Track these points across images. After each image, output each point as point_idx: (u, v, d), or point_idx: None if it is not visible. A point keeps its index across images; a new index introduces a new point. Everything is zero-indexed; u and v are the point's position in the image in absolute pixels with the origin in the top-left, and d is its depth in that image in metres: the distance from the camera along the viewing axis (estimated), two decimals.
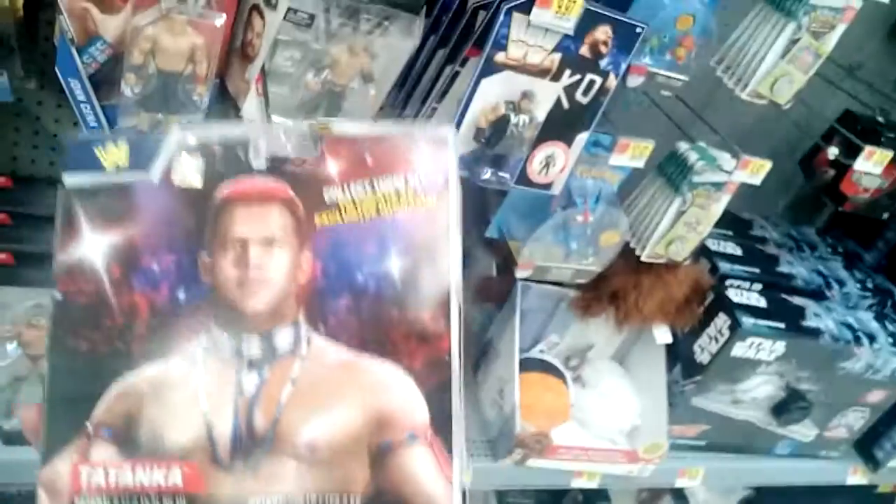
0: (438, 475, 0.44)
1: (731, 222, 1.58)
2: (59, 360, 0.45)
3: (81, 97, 0.92)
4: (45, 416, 0.45)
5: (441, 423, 0.45)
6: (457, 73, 0.98)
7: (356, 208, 0.47)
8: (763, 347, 1.38)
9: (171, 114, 0.95)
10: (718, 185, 1.21)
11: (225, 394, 0.45)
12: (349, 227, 0.47)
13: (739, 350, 1.37)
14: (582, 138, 1.05)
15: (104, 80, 0.92)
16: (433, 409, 0.45)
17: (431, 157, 0.47)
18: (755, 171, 1.18)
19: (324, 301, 0.46)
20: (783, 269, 1.54)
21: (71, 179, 0.46)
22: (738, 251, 1.52)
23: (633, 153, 1.11)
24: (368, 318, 0.46)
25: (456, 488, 0.44)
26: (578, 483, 1.45)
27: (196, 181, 0.47)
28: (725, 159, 1.21)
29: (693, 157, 1.20)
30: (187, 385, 0.45)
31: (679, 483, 1.55)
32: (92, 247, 0.46)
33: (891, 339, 1.49)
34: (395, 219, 0.47)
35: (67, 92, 0.91)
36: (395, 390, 0.45)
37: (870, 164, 1.23)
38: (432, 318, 0.46)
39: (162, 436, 0.44)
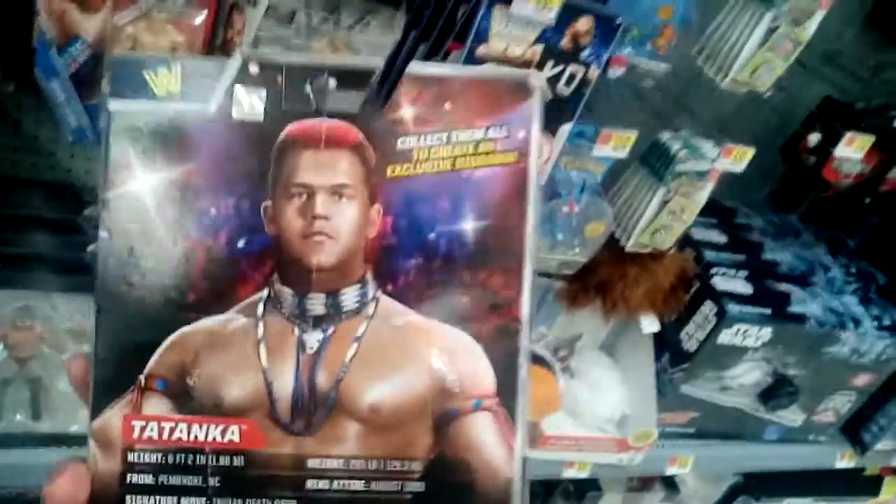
0: (501, 444, 0.43)
1: (715, 211, 1.59)
2: (107, 306, 0.42)
3: (62, 97, 0.92)
4: (94, 367, 0.42)
5: (507, 392, 0.43)
6: None
7: (431, 160, 0.44)
8: (749, 334, 1.39)
9: None
10: (701, 174, 1.22)
11: (286, 350, 0.43)
12: (422, 181, 0.43)
13: (726, 337, 1.38)
14: (565, 129, 1.05)
15: (85, 80, 0.92)
16: (500, 376, 0.43)
17: (515, 109, 0.44)
18: (738, 158, 1.19)
19: (393, 259, 0.43)
20: (768, 255, 1.55)
21: (116, 105, 0.42)
22: (723, 239, 1.53)
23: (616, 143, 1.12)
24: (438, 280, 0.43)
25: (517, 457, 0.43)
26: (569, 473, 1.46)
27: (258, 116, 0.43)
28: (708, 148, 1.22)
29: (675, 146, 1.20)
30: (246, 339, 0.43)
31: (669, 471, 1.56)
32: (142, 183, 0.42)
33: (875, 324, 1.50)
34: (472, 174, 0.44)
35: (47, 93, 0.91)
36: (463, 356, 0.43)
37: (850, 150, 1.24)
38: (505, 283, 0.44)
39: (219, 391, 0.42)
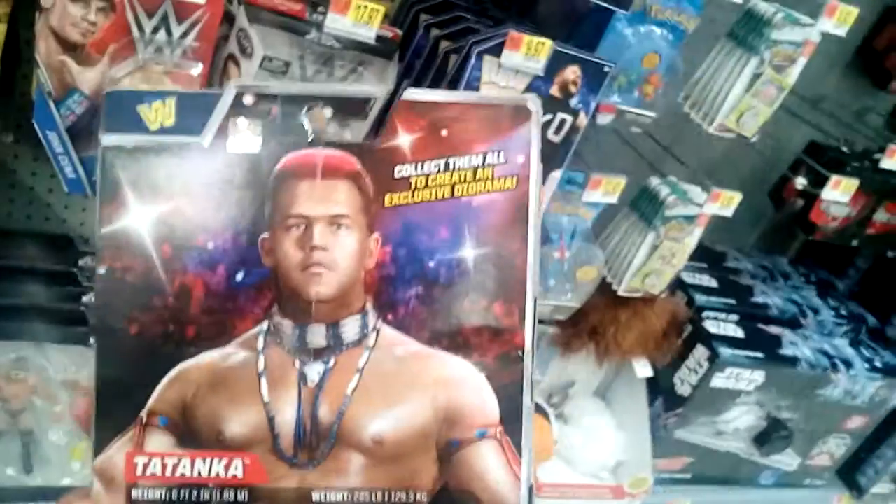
0: (507, 472, 0.43)
1: (705, 255, 1.60)
2: (106, 343, 0.42)
3: (59, 149, 0.93)
4: (95, 404, 0.42)
5: (511, 421, 0.43)
6: None
7: (429, 188, 0.43)
8: (742, 377, 1.39)
9: None
10: (690, 218, 1.23)
11: (287, 383, 0.43)
12: (421, 209, 0.43)
13: (719, 381, 1.39)
14: (555, 176, 1.06)
15: (82, 132, 0.93)
16: (504, 405, 0.43)
17: (513, 133, 0.44)
18: (726, 203, 1.21)
19: (393, 289, 0.43)
20: (758, 299, 1.56)
21: (109, 139, 0.42)
22: (714, 283, 1.54)
23: (606, 189, 1.13)
24: (439, 308, 0.43)
25: (524, 485, 0.43)
26: None
27: (253, 148, 0.42)
28: (696, 192, 1.23)
29: (664, 191, 1.22)
30: (247, 373, 0.42)
31: None
32: (137, 218, 0.42)
33: (867, 365, 1.51)
34: (471, 201, 0.43)
35: (45, 144, 0.91)
36: (466, 386, 0.43)
37: (837, 192, 1.26)
38: (506, 311, 0.43)
39: (221, 426, 0.42)
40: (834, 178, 1.25)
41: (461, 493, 0.43)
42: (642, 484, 1.41)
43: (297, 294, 0.43)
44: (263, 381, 0.43)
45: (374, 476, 0.43)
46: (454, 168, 0.44)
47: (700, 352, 1.39)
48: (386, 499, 0.43)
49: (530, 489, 0.43)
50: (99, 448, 0.42)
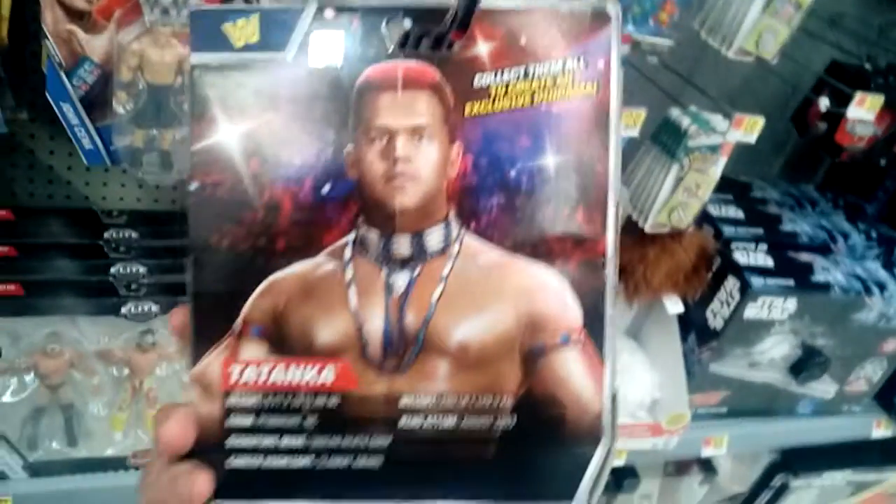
0: (590, 378, 0.44)
1: (730, 187, 1.58)
2: (200, 256, 0.43)
3: (75, 121, 0.93)
4: (192, 316, 0.43)
5: (594, 327, 0.44)
6: None
7: (509, 96, 0.43)
8: (775, 306, 1.38)
9: (164, 128, 0.96)
10: (714, 148, 1.21)
11: (374, 292, 0.44)
12: (501, 118, 0.43)
13: (752, 311, 1.37)
14: None
15: (95, 102, 0.93)
16: (587, 311, 0.44)
17: (593, 38, 0.44)
18: (749, 129, 1.19)
19: (475, 198, 0.44)
20: (787, 227, 1.54)
21: (197, 58, 0.43)
22: (741, 214, 1.52)
23: (626, 122, 1.12)
24: (521, 217, 0.43)
25: (606, 391, 0.44)
26: (597, 499, 1.45)
27: (335, 61, 0.43)
28: (718, 121, 1.21)
29: (686, 121, 1.20)
30: (335, 283, 0.43)
31: (705, 452, 1.55)
32: (226, 134, 0.43)
33: None
34: (552, 108, 0.43)
35: (60, 116, 0.91)
36: (549, 292, 0.44)
37: (862, 110, 1.23)
38: (588, 218, 0.44)
39: (312, 334, 0.43)
40: (858, 95, 1.22)
41: (545, 397, 0.44)
42: (680, 420, 1.41)
43: (382, 205, 0.44)
44: (351, 290, 0.44)
45: (460, 381, 0.44)
46: (533, 75, 0.43)
47: (731, 283, 1.38)
48: (471, 403, 0.44)
49: (614, 396, 0.44)
50: (196, 357, 0.43)
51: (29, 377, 1.08)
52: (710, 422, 1.56)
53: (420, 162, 0.43)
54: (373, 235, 0.44)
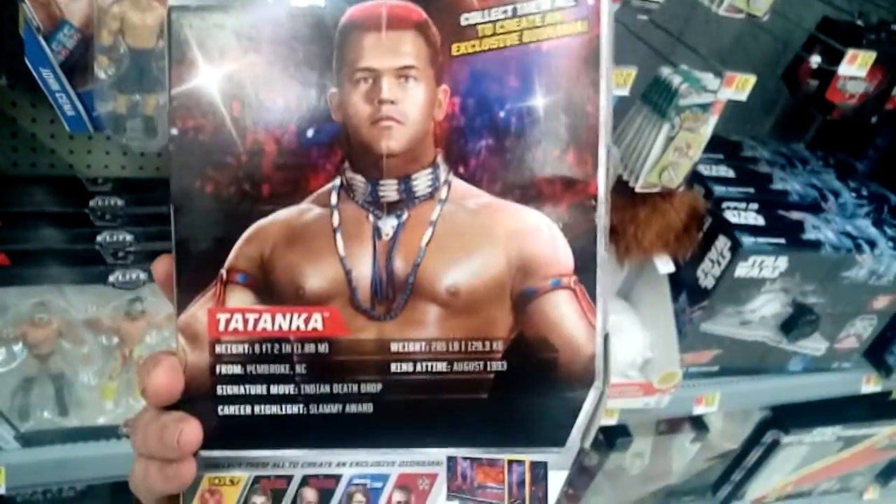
0: (582, 321, 0.43)
1: (720, 146, 1.57)
2: (183, 203, 0.42)
3: (55, 86, 0.91)
4: (176, 264, 0.42)
5: (585, 270, 0.43)
6: None
7: (497, 35, 0.42)
8: (766, 265, 1.38)
9: (148, 93, 0.94)
10: (705, 107, 1.20)
11: (362, 238, 0.43)
12: (489, 58, 0.42)
13: (742, 270, 1.37)
14: None
15: (76, 67, 0.91)
16: (578, 254, 0.43)
17: None
18: (740, 87, 1.17)
19: (463, 141, 0.43)
20: (777, 186, 1.54)
21: (176, 0, 0.42)
22: (731, 173, 1.51)
23: (616, 81, 1.10)
24: (510, 159, 0.43)
25: (598, 333, 0.43)
26: (589, 443, 1.46)
27: (317, 0, 0.42)
28: (709, 79, 1.20)
29: (677, 80, 1.19)
30: (322, 229, 0.43)
31: (697, 410, 1.56)
32: (206, 77, 0.42)
33: (891, 244, 1.49)
34: (541, 47, 0.42)
35: (40, 82, 0.89)
36: (540, 236, 0.43)
37: (854, 67, 1.22)
38: (579, 160, 0.43)
39: (299, 281, 0.43)
40: (850, 52, 1.21)
41: (536, 341, 0.43)
42: (671, 379, 1.41)
43: (368, 149, 0.43)
44: (339, 236, 0.43)
45: (451, 326, 0.43)
46: (522, 13, 0.42)
47: (722, 242, 1.37)
48: (462, 348, 0.43)
49: (606, 338, 0.43)
50: (181, 306, 0.43)
51: (17, 347, 1.07)
52: (701, 380, 1.56)
53: (406, 104, 0.42)
54: (359, 180, 0.43)
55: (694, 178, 1.45)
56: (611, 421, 1.47)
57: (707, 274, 1.41)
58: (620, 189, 1.29)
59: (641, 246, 1.37)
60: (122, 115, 0.95)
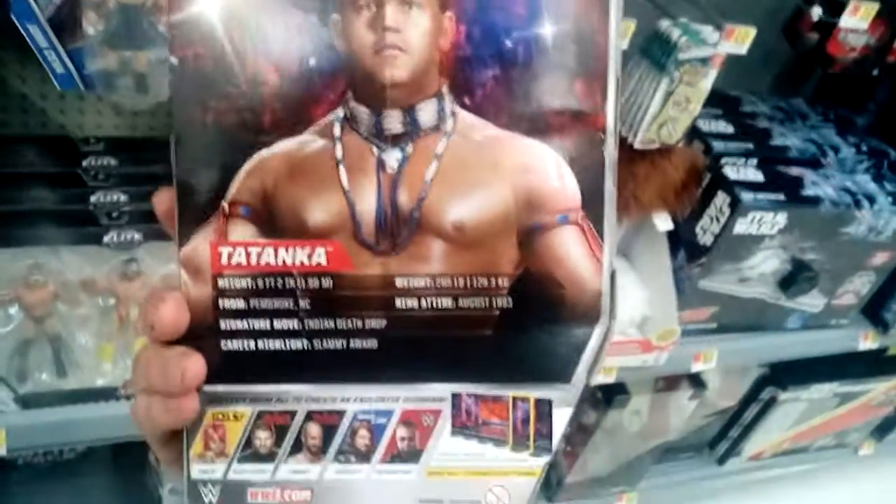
0: (589, 257, 0.42)
1: (719, 101, 1.56)
2: (184, 134, 0.41)
3: (43, 43, 0.89)
4: (177, 196, 0.42)
5: (593, 205, 0.42)
6: None
7: None
8: (765, 221, 1.37)
9: (139, 49, 0.92)
10: (704, 60, 1.19)
11: (366, 171, 0.42)
12: None
13: (741, 227, 1.37)
14: None
15: (65, 23, 0.89)
16: (585, 189, 0.42)
17: None
18: (740, 39, 1.16)
19: (469, 70, 0.42)
20: (777, 141, 1.52)
21: None
22: (730, 129, 1.50)
23: None
24: (517, 90, 0.41)
25: (605, 269, 0.43)
26: (596, 379, 1.46)
27: None
28: (709, 32, 1.18)
29: (676, 33, 1.17)
30: (325, 161, 0.42)
31: (695, 368, 1.57)
32: (205, 4, 0.40)
33: (890, 199, 1.48)
34: None
35: (28, 39, 0.87)
36: (547, 170, 0.42)
37: (855, 19, 1.20)
38: (588, 91, 0.41)
39: (302, 214, 0.42)
40: (852, 3, 1.20)
41: (542, 277, 0.43)
42: (670, 336, 1.41)
43: (371, 78, 0.42)
44: (342, 168, 0.42)
45: (456, 262, 0.43)
46: None
47: (721, 198, 1.37)
48: (467, 284, 0.43)
49: (613, 275, 0.43)
50: (183, 240, 0.42)
51: (13, 310, 1.07)
52: (699, 337, 1.57)
53: (411, 32, 0.41)
54: (363, 111, 0.42)
55: (693, 133, 1.44)
56: (609, 378, 1.47)
57: (706, 231, 1.41)
58: (619, 146, 1.28)
59: (640, 203, 1.36)
60: (113, 72, 0.93)
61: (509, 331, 0.43)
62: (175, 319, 0.41)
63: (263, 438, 0.44)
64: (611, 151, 0.42)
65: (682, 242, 1.46)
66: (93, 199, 1.07)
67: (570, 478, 1.76)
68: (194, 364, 0.41)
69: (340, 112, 0.42)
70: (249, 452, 0.44)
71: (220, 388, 0.43)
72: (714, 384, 1.82)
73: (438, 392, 0.44)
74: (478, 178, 0.42)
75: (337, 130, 0.42)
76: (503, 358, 0.44)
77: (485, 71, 0.42)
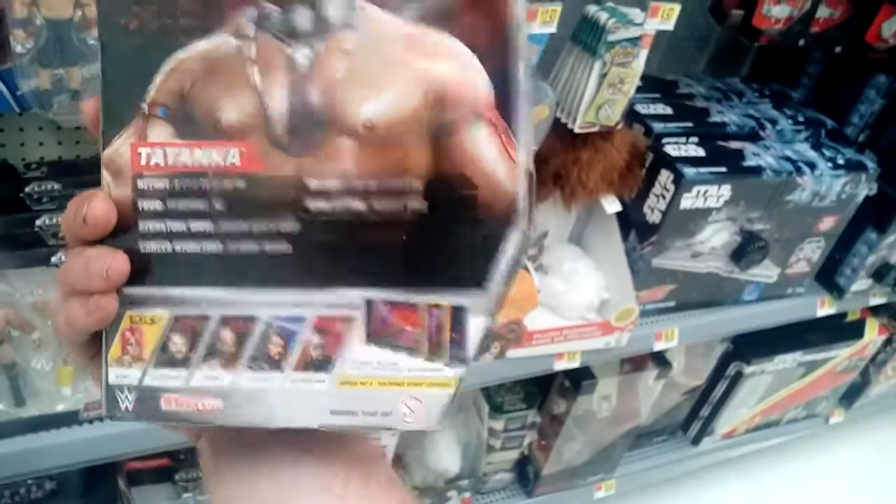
0: (502, 157, 0.42)
1: (656, 85, 1.59)
2: (109, 40, 0.42)
3: None
4: (102, 101, 0.42)
5: (506, 103, 0.42)
6: None
7: None
8: (710, 194, 1.40)
9: (70, 66, 0.93)
10: (634, 40, 1.21)
11: (277, 70, 0.42)
12: None
13: (687, 201, 1.39)
14: None
15: None
16: (498, 86, 0.42)
17: None
18: (666, 16, 1.19)
19: None
20: (715, 119, 1.56)
21: None
22: (669, 110, 1.53)
23: (543, 19, 1.11)
24: None
25: (520, 168, 0.42)
26: (560, 365, 1.48)
27: None
28: (636, 13, 1.21)
29: (603, 17, 1.20)
30: (239, 61, 0.42)
31: (657, 346, 1.59)
32: None
33: (830, 165, 1.52)
34: None
35: None
36: (458, 66, 0.42)
37: None
38: None
39: (217, 114, 0.43)
40: None
41: (455, 178, 0.43)
42: (629, 315, 1.43)
43: None
44: (255, 68, 0.43)
45: (368, 162, 0.43)
46: None
47: (664, 176, 1.39)
48: (380, 185, 0.43)
49: (531, 177, 0.42)
50: (107, 143, 0.43)
51: None
52: (659, 316, 1.59)
53: None
54: (273, 9, 0.42)
55: (632, 117, 1.47)
56: (573, 364, 1.48)
57: (653, 209, 1.43)
58: (560, 132, 1.30)
59: (586, 188, 1.38)
60: (47, 90, 0.93)
61: (424, 235, 0.43)
62: (105, 212, 0.42)
63: (179, 343, 0.45)
64: (522, 45, 0.42)
65: (631, 223, 1.48)
66: (38, 222, 1.06)
67: (546, 470, 1.77)
68: (118, 261, 0.42)
69: (255, 11, 0.42)
70: (165, 358, 0.44)
71: (138, 290, 0.44)
72: (679, 364, 1.85)
73: (352, 298, 0.44)
74: (387, 76, 0.42)
75: (251, 30, 0.43)
76: (418, 263, 0.43)
77: None
